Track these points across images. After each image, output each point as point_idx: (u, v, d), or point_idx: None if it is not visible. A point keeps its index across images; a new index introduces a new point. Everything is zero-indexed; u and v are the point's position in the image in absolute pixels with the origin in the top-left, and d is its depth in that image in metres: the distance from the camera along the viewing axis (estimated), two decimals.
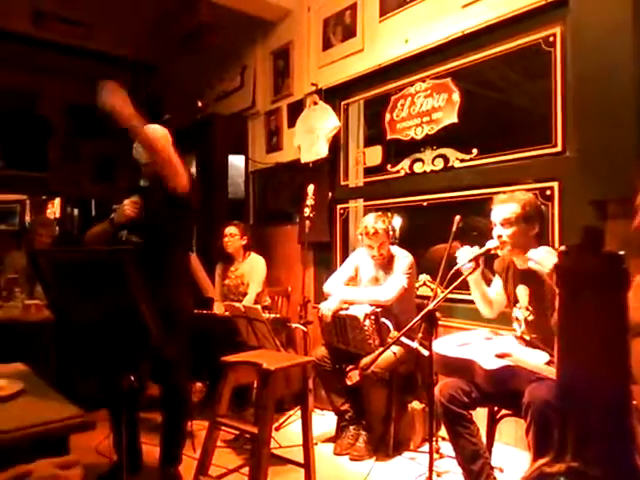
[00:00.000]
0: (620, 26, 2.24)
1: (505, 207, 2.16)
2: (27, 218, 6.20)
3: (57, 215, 6.41)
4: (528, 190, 2.39)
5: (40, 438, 1.14)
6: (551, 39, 2.66)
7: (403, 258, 2.94)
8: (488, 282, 2.48)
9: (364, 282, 3.06)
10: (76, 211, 6.53)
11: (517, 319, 2.23)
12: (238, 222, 3.86)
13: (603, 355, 0.84)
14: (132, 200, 2.39)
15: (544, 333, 2.06)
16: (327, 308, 2.88)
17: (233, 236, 3.76)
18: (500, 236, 2.15)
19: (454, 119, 3.12)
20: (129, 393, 1.88)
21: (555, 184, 2.65)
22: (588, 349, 0.85)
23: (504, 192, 2.29)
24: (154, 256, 2.26)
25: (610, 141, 2.28)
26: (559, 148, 2.64)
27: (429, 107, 3.27)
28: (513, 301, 2.25)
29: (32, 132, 5.84)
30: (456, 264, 2.19)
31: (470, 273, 2.16)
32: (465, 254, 2.18)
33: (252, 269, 3.75)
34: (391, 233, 2.93)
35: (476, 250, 2.18)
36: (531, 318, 2.15)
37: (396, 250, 2.99)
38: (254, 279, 3.70)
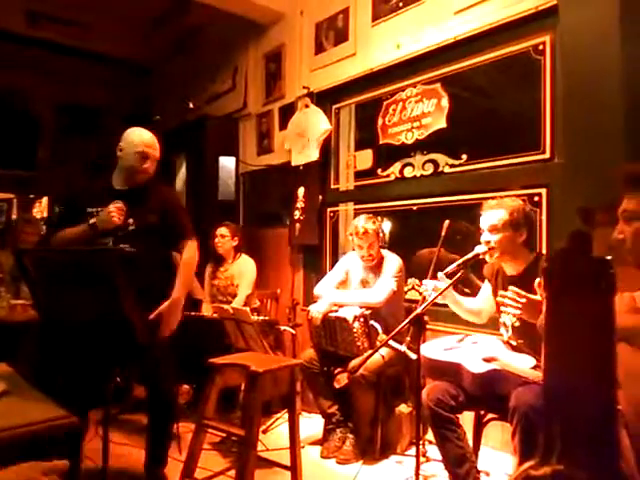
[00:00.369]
0: (608, 35, 2.27)
1: (493, 213, 2.18)
2: (14, 216, 6.13)
3: (44, 214, 6.34)
4: (517, 196, 2.40)
5: (23, 439, 1.12)
6: (540, 47, 2.69)
7: (392, 261, 2.95)
8: (476, 289, 2.50)
9: (354, 285, 3.06)
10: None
11: (504, 324, 2.24)
12: (229, 223, 3.85)
13: (589, 359, 0.85)
14: (118, 206, 2.25)
15: (531, 339, 2.07)
16: (317, 310, 2.88)
17: (224, 237, 3.76)
18: (488, 242, 2.17)
19: (443, 124, 3.14)
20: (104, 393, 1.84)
21: (543, 190, 2.68)
22: (574, 353, 0.86)
23: (493, 198, 2.30)
24: (145, 259, 2.24)
25: (598, 148, 2.31)
26: (547, 155, 2.66)
27: (419, 112, 3.29)
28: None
29: (22, 131, 5.78)
30: (444, 268, 2.21)
31: (440, 294, 2.15)
32: (430, 286, 2.24)
33: (242, 271, 3.74)
34: (381, 235, 2.95)
35: (441, 285, 2.21)
36: (518, 324, 2.16)
37: (385, 253, 3.01)
38: (244, 281, 3.69)
